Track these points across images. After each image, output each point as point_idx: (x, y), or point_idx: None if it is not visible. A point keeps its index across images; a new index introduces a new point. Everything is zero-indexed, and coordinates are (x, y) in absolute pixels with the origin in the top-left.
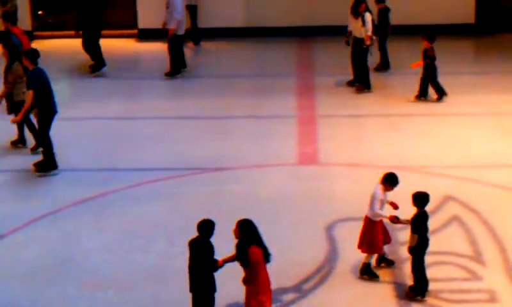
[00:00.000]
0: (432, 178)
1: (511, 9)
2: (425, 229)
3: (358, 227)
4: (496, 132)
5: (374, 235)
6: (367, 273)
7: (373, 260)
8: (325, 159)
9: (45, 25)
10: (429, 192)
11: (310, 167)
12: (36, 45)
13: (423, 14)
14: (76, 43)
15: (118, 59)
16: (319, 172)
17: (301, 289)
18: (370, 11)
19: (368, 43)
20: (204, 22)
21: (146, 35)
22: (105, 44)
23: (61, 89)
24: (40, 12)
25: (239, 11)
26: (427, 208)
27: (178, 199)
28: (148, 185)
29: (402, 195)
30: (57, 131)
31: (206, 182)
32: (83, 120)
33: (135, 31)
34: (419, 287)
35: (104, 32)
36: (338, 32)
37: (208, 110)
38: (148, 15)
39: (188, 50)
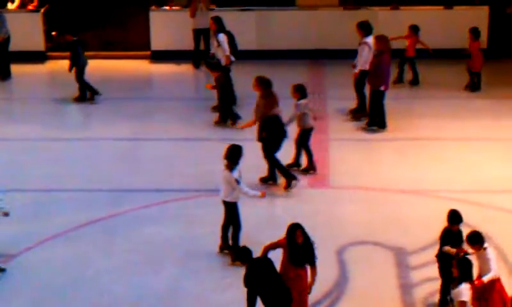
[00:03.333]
0: (442, 202)
1: None
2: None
3: (369, 251)
4: (505, 156)
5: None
6: None
7: None
8: (336, 183)
9: (59, 46)
10: (439, 216)
11: (321, 190)
12: (49, 65)
13: (436, 38)
14: (89, 64)
15: (131, 80)
16: (330, 195)
17: None
18: (226, 32)
19: (227, 63)
20: None
21: (159, 56)
22: (119, 65)
23: (73, 110)
24: (53, 33)
25: (251, 34)
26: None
27: (190, 221)
28: (160, 206)
29: (414, 219)
30: (70, 151)
31: (217, 204)
32: (95, 140)
33: (148, 53)
34: None
35: (118, 53)
36: (349, 55)
37: (220, 132)
38: (161, 36)
39: (201, 73)
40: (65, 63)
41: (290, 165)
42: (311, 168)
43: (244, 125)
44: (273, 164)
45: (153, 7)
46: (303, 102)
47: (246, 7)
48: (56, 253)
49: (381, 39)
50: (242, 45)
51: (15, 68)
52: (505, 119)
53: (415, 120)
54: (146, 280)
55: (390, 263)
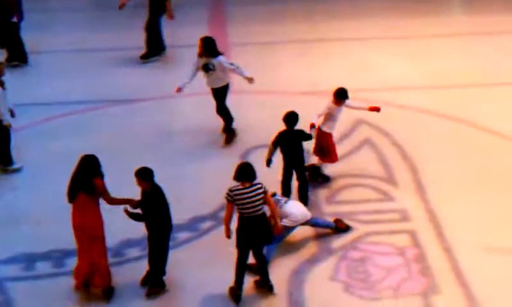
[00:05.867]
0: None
1: None
2: None
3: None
4: (405, 55)
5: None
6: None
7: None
8: (238, 87)
9: None
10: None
11: None
12: None
13: None
14: None
15: None
16: (233, 101)
17: (217, 217)
18: None
19: None
20: None
21: None
22: None
23: None
24: None
25: None
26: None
27: (92, 133)
28: (62, 119)
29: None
30: None
31: (118, 114)
32: None
33: None
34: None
35: None
36: None
37: (122, 41)
38: None
39: None
40: None
41: None
42: None
43: None
44: None
45: None
46: None
47: None
48: None
49: None
50: None
51: None
52: (405, 18)
53: (312, 21)
54: (49, 193)
55: None
